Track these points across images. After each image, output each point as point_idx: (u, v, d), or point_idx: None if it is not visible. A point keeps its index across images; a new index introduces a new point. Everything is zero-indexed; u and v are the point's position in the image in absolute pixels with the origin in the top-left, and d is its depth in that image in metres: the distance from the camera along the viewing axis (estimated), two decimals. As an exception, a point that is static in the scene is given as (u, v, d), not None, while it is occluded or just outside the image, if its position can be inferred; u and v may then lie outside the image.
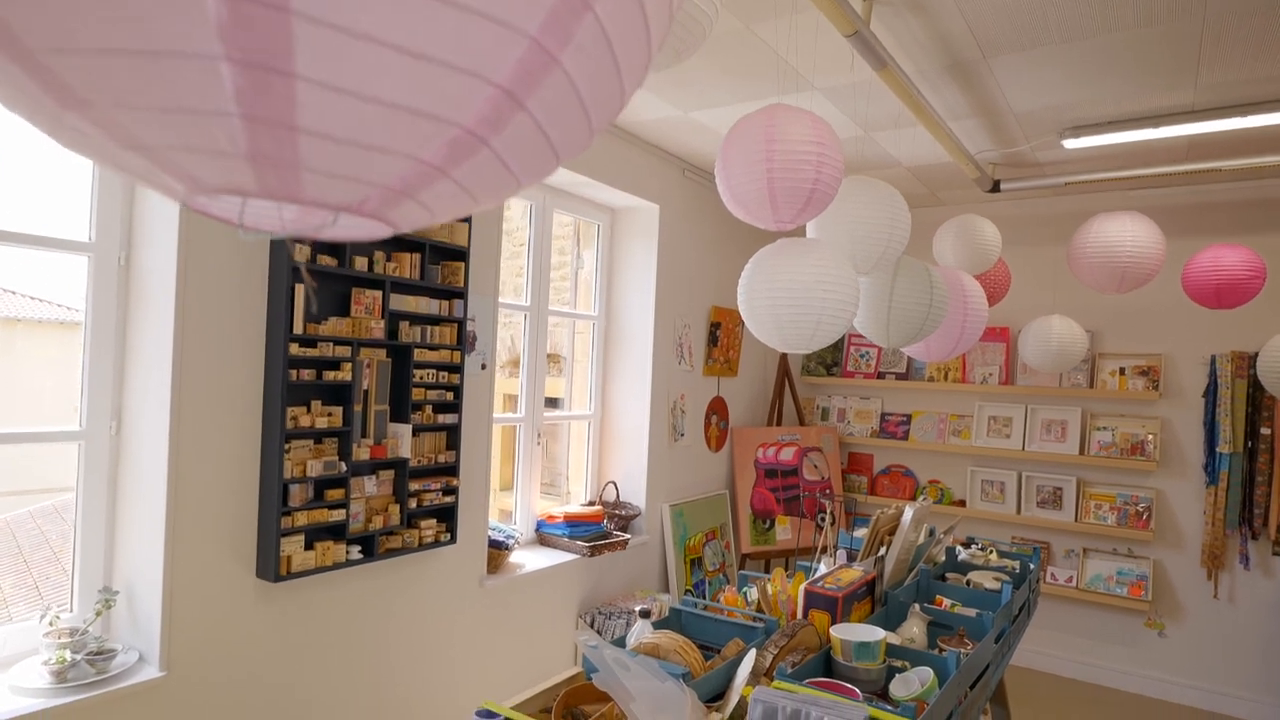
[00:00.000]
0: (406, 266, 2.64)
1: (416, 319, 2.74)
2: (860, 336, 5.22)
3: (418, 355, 2.69)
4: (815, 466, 4.96)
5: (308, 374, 2.35)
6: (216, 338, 2.20)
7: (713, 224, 4.56)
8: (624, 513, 3.98)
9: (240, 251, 2.25)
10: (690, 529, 4.37)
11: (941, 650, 2.16)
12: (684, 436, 4.38)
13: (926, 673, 1.81)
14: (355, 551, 2.51)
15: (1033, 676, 4.47)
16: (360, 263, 2.49)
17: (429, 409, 2.75)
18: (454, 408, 2.86)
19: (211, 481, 2.20)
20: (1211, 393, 4.10)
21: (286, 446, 2.31)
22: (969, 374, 4.77)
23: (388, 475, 2.65)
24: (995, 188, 4.05)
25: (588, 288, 4.27)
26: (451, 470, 2.87)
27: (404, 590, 2.78)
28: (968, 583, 2.82)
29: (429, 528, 2.76)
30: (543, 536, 3.75)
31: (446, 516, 2.87)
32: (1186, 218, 4.27)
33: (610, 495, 4.17)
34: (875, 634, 1.92)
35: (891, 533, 2.86)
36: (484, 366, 3.08)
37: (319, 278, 2.44)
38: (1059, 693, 4.24)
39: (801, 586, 2.15)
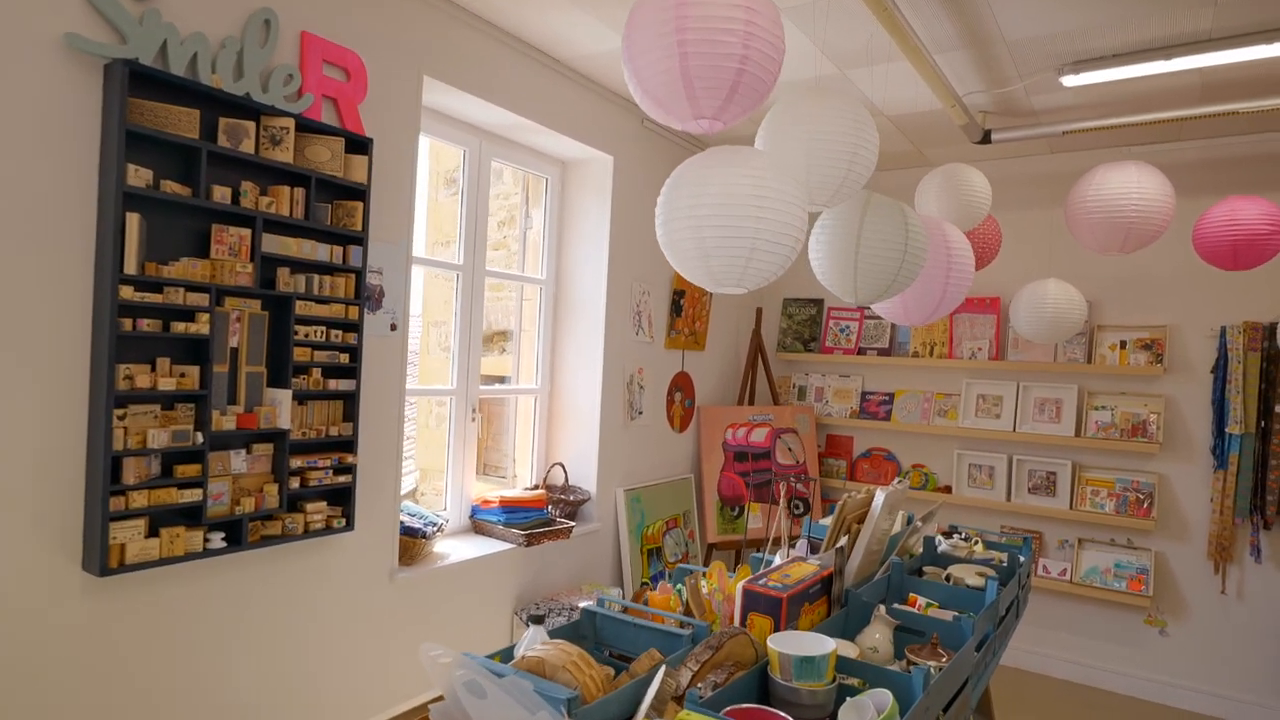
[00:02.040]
0: (286, 202, 2.22)
1: (299, 266, 2.32)
2: (841, 309, 4.82)
3: (301, 309, 2.27)
4: (789, 449, 4.57)
5: (149, 324, 1.94)
6: (30, 277, 1.78)
7: (676, 181, 4.14)
8: (572, 497, 3.59)
9: (63, 173, 1.83)
10: (649, 516, 3.97)
11: (910, 663, 1.77)
12: (642, 415, 3.97)
13: (884, 697, 1.41)
14: (217, 539, 2.10)
15: (1021, 677, 4.10)
16: (221, 194, 2.07)
17: (317, 373, 2.34)
18: (350, 372, 2.45)
19: (22, 453, 1.79)
20: (1221, 367, 3.72)
21: (120, 412, 1.90)
22: (956, 349, 4.38)
23: (265, 450, 2.24)
24: (986, 139, 3.64)
25: (538, 250, 3.86)
26: (347, 445, 2.46)
27: (286, 585, 2.38)
28: (947, 578, 2.43)
29: (318, 512, 2.35)
30: (477, 524, 3.35)
31: (341, 499, 2.46)
32: (1196, 175, 3.87)
33: (558, 478, 3.77)
34: (822, 645, 1.52)
35: (861, 520, 2.47)
36: (394, 327, 2.67)
37: (166, 209, 2.02)
38: (1050, 696, 3.87)
39: (739, 584, 1.76)
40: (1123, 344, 3.97)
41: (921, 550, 2.70)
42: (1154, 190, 2.96)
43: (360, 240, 2.43)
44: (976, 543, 2.87)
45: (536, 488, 3.65)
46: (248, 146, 2.12)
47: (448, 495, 3.32)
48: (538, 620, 1.59)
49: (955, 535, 2.87)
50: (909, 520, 2.76)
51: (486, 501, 3.34)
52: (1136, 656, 3.92)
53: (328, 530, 2.38)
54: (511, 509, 3.29)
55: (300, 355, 2.28)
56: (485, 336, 4.02)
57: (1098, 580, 3.94)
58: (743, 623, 1.76)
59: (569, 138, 3.42)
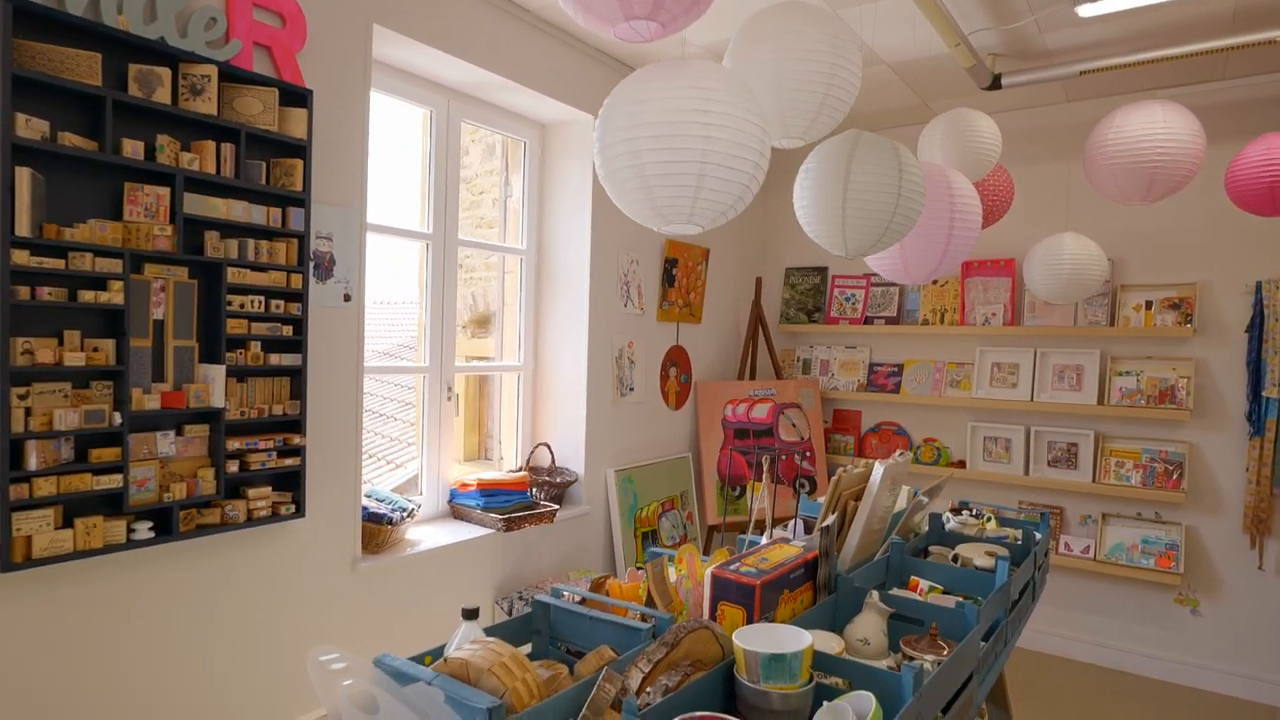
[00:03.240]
0: (211, 159, 2.02)
1: (231, 229, 2.12)
2: (846, 276, 4.56)
3: (234, 276, 2.07)
4: (793, 425, 4.34)
5: (51, 293, 1.75)
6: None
7: (665, 143, 3.89)
8: (558, 479, 3.39)
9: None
10: (642, 498, 3.76)
11: (906, 658, 1.55)
12: (633, 391, 3.76)
13: (866, 701, 1.20)
14: (144, 529, 1.91)
15: (1042, 661, 3.86)
16: (133, 148, 1.86)
17: (256, 347, 2.14)
18: (295, 346, 2.25)
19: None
20: (1257, 326, 3.43)
21: (21, 390, 1.71)
22: (968, 315, 4.11)
23: (199, 431, 2.05)
24: (996, 84, 3.36)
25: (519, 219, 3.64)
26: (294, 425, 2.26)
27: (229, 578, 2.19)
28: (954, 559, 2.20)
29: (262, 498, 2.16)
30: (456, 509, 3.16)
31: (290, 484, 2.27)
32: (1229, 119, 3.56)
33: (544, 460, 3.57)
34: (796, 640, 1.31)
35: (858, 497, 2.25)
36: (348, 298, 2.47)
37: (68, 165, 1.82)
38: (1074, 680, 3.64)
39: (708, 570, 1.54)
40: (1148, 304, 3.69)
41: (927, 529, 2.47)
42: (1181, 130, 2.69)
43: (301, 201, 2.22)
44: (989, 519, 2.63)
45: (521, 470, 3.46)
46: (163, 96, 1.91)
47: (423, 479, 3.13)
48: (471, 615, 1.39)
49: (965, 511, 2.64)
50: (915, 494, 2.52)
51: (464, 485, 3.15)
52: (1167, 638, 3.66)
53: (275, 517, 2.19)
54: (491, 492, 3.09)
55: (235, 328, 2.09)
56: (473, 320, 3.83)
57: (1124, 557, 3.69)
58: (712, 614, 1.54)
59: (547, 97, 3.19)
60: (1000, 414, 4.09)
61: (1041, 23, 3.02)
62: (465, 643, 1.34)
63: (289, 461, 2.22)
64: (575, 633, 1.57)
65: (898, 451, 2.31)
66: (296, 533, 2.34)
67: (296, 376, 2.25)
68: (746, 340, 4.39)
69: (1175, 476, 3.59)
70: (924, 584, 1.96)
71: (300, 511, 2.25)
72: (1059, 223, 3.97)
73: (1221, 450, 3.55)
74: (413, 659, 1.36)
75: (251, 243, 2.11)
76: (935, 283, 4.25)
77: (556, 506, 3.21)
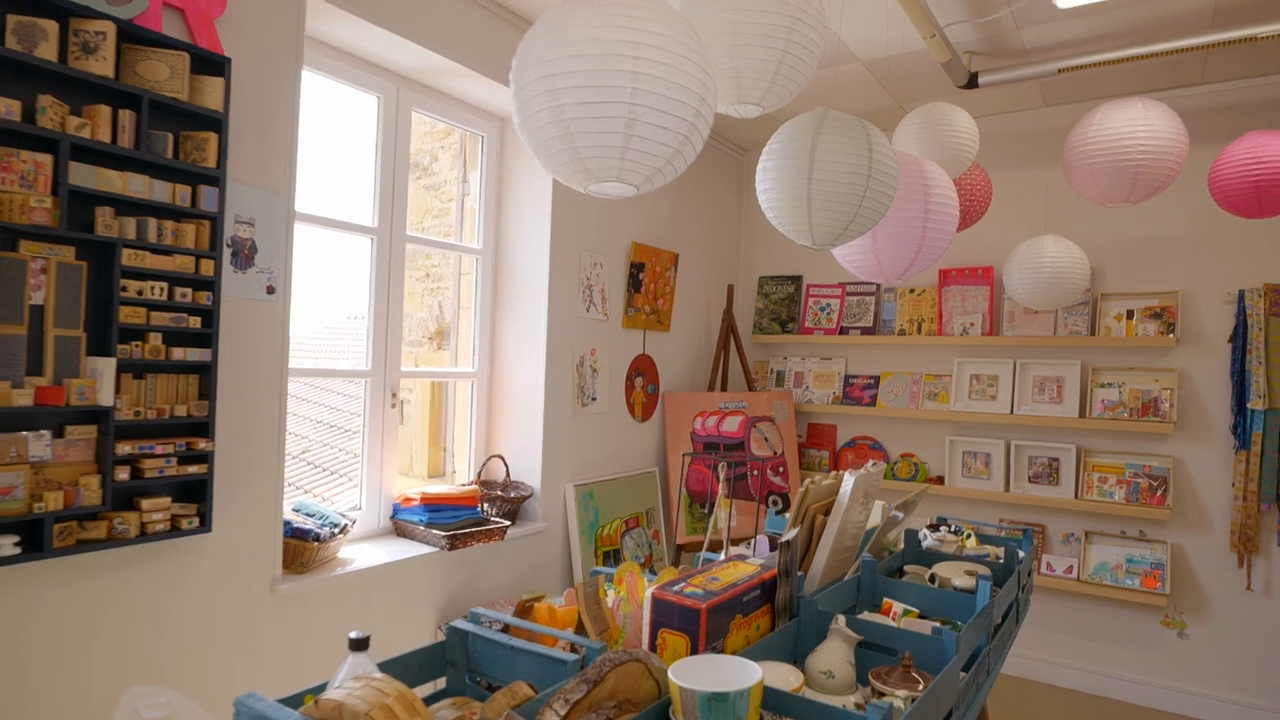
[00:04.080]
0: (106, 126, 1.80)
1: (129, 206, 1.90)
2: (821, 285, 4.40)
3: (131, 259, 1.85)
4: (766, 439, 4.15)
5: (-100, 270, 1.52)
6: None
7: (631, 142, 3.72)
8: (512, 494, 3.16)
9: None
10: (604, 515, 3.54)
11: (875, 694, 1.34)
12: (596, 401, 3.55)
13: (824, 750, 0.99)
14: (8, 544, 1.67)
15: (1024, 687, 3.67)
16: (7, 107, 1.64)
17: (156, 339, 1.92)
18: (204, 340, 2.02)
19: None
20: (1240, 336, 3.30)
21: None
22: (946, 325, 3.96)
23: (85, 433, 1.81)
24: (972, 82, 3.23)
25: (476, 217, 3.44)
26: (200, 429, 2.03)
27: (118, 601, 1.94)
28: (932, 579, 2.01)
29: (158, 509, 1.92)
30: (398, 525, 2.92)
31: (195, 494, 2.03)
32: (1211, 123, 3.45)
33: (498, 473, 3.34)
34: (743, 674, 1.10)
35: (827, 512, 2.05)
36: (272, 290, 2.25)
37: (-72, 126, 1.60)
38: (1057, 707, 3.44)
39: (648, 592, 1.33)
40: (1130, 313, 3.55)
41: (903, 546, 2.28)
42: (1163, 129, 2.56)
43: (215, 180, 2.01)
44: (968, 536, 2.44)
45: (472, 484, 3.23)
46: (47, 52, 1.70)
47: (363, 492, 2.89)
48: (359, 646, 1.16)
49: (944, 528, 2.45)
50: (891, 510, 2.33)
51: (407, 499, 2.92)
52: (1153, 662, 3.49)
53: (176, 532, 1.95)
54: (436, 507, 2.86)
55: (131, 316, 1.86)
56: (438, 331, 3.61)
57: (1108, 577, 3.52)
58: (652, 643, 1.33)
59: (505, 86, 3.01)
60: (979, 427, 3.93)
61: (1019, 17, 2.89)
62: (350, 679, 1.12)
63: (193, 469, 1.98)
64: (495, 665, 1.36)
65: (870, 462, 2.12)
66: (203, 550, 2.10)
67: (205, 374, 2.02)
68: (717, 350, 4.20)
69: (1160, 492, 3.44)
70: (898, 607, 1.76)
71: (206, 525, 2.01)
72: (1038, 230, 3.83)
73: (1207, 464, 3.40)
74: (292, 698, 1.14)
75: (153, 222, 1.89)
76: (912, 291, 4.10)
77: (508, 523, 2.99)
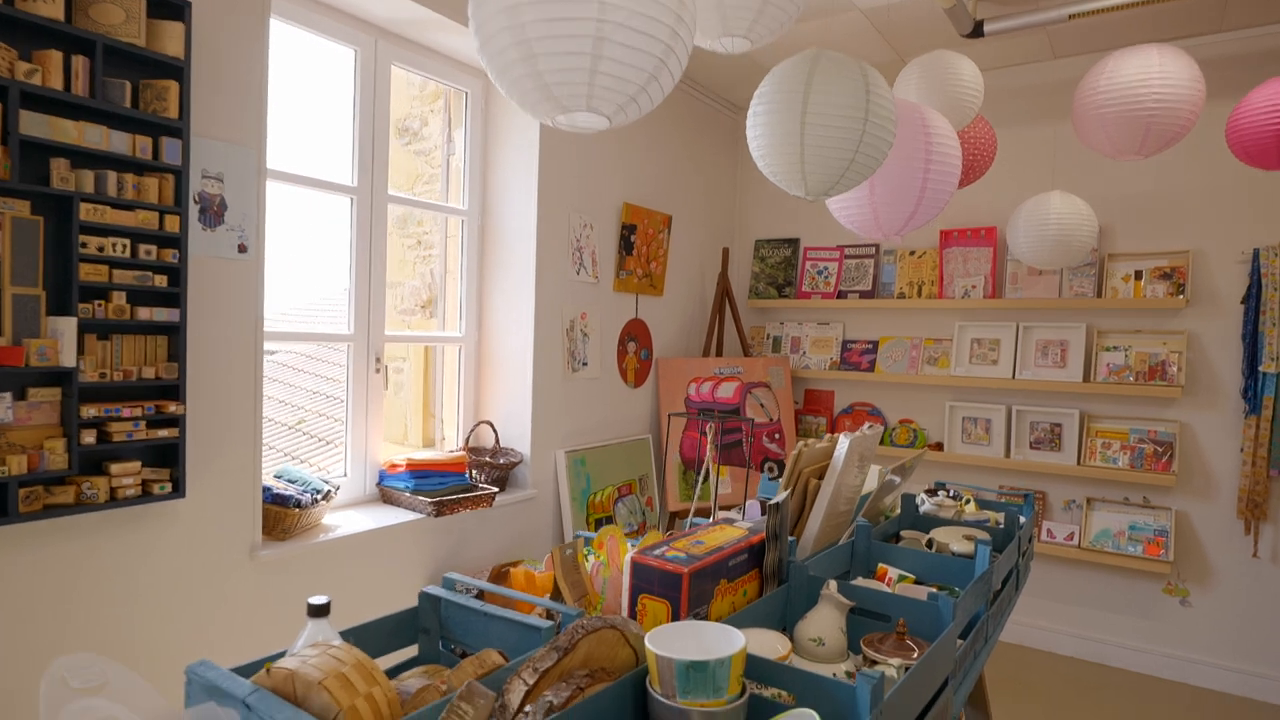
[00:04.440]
0: (58, 73, 1.70)
1: (86, 158, 1.80)
2: (819, 248, 4.30)
3: (90, 214, 1.76)
4: (761, 405, 4.07)
5: None
6: None
7: (623, 99, 3.59)
8: (501, 460, 3.09)
9: None
10: (596, 481, 3.48)
11: (867, 662, 1.28)
12: (587, 366, 3.47)
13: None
14: (-34, 510, 1.60)
15: (1022, 655, 3.63)
16: (-52, 51, 1.55)
17: (120, 298, 1.83)
18: (172, 300, 1.94)
19: None
20: (1254, 297, 3.20)
21: None
22: (947, 288, 3.86)
23: (48, 395, 1.74)
24: (977, 31, 3.10)
25: (461, 177, 3.33)
26: (171, 391, 1.95)
27: (89, 567, 1.88)
28: (929, 544, 1.94)
29: (128, 474, 1.85)
30: (385, 492, 2.86)
31: (167, 459, 1.96)
32: (1224, 74, 3.32)
33: (487, 439, 3.27)
34: (724, 642, 1.03)
35: (821, 476, 1.98)
36: (244, 249, 2.16)
37: None
38: (1056, 675, 3.41)
39: (627, 556, 1.26)
40: (1138, 274, 3.45)
41: (900, 511, 2.21)
42: (1179, 76, 2.44)
43: (177, 131, 1.91)
44: (968, 502, 2.37)
45: (460, 450, 3.16)
46: (-11, -9, 1.59)
47: (348, 459, 2.83)
48: (319, 612, 1.10)
49: (942, 492, 2.38)
50: (885, 476, 2.26)
51: (394, 466, 2.85)
52: (1154, 630, 3.44)
53: (148, 497, 1.88)
54: (422, 474, 2.80)
55: (92, 274, 1.77)
56: (421, 304, 3.52)
57: (1110, 544, 3.46)
58: (632, 609, 1.27)
59: (485, 37, 2.88)
60: (980, 393, 3.85)
61: (1028, -42, 2.75)
62: (309, 646, 1.05)
63: (164, 433, 1.91)
64: (468, 632, 1.29)
65: (866, 424, 2.05)
66: (177, 515, 2.03)
67: (174, 335, 1.94)
68: (712, 315, 4.11)
69: (1165, 458, 3.37)
70: (893, 573, 1.69)
71: (179, 490, 1.94)
72: (1044, 189, 3.72)
73: (1215, 430, 3.32)
74: (246, 666, 1.07)
75: (113, 175, 1.80)
76: (912, 254, 4.00)
77: (496, 490, 2.92)
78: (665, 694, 0.98)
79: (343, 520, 2.59)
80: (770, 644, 1.22)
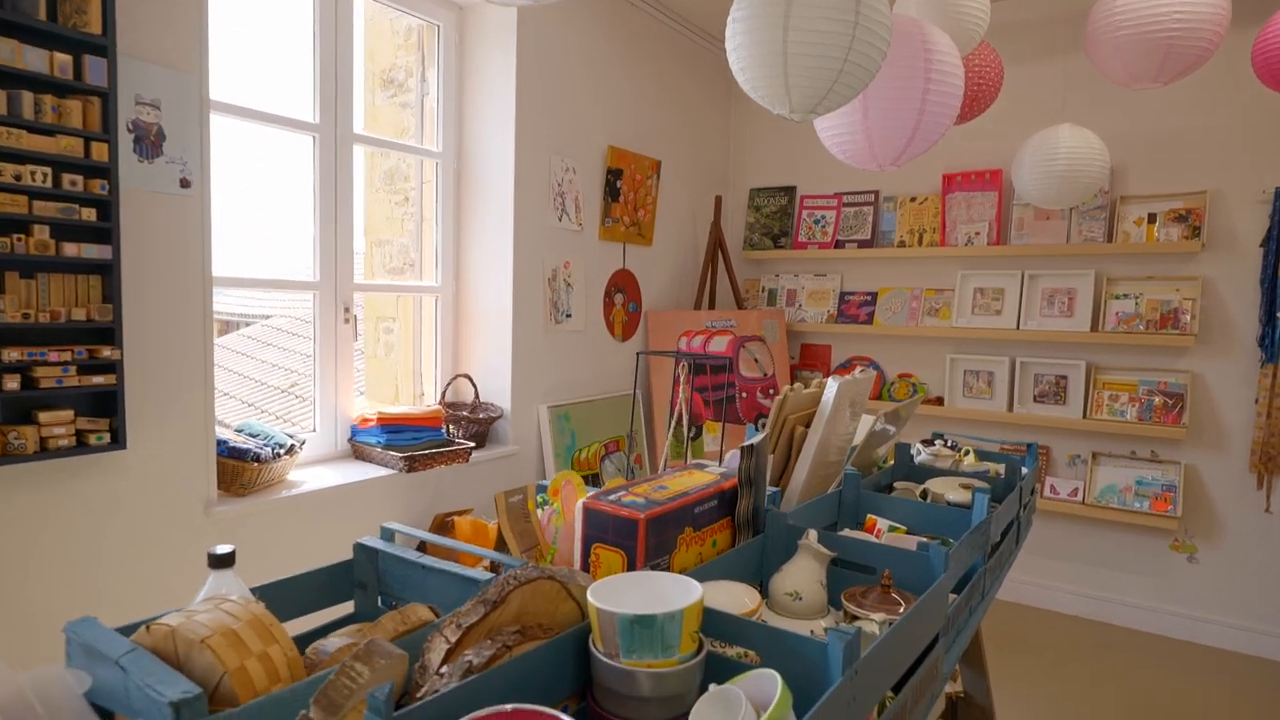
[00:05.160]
0: (-43, -22, 1.53)
1: (-5, 75, 1.64)
2: (816, 196, 4.11)
3: (4, 139, 1.60)
4: (755, 360, 3.92)
5: None
6: None
7: (606, 34, 3.39)
8: (481, 415, 2.96)
9: None
10: (582, 438, 3.35)
11: (848, 618, 1.15)
12: (571, 318, 3.32)
13: (768, 684, 0.79)
14: (-128, 460, 1.47)
15: (1022, 613, 3.53)
16: None
17: (42, 232, 1.68)
18: (103, 235, 1.79)
19: None
20: (1274, 239, 3.03)
21: None
22: (950, 235, 3.68)
23: (-37, 338, 1.60)
24: (985, -46, 2.88)
25: (435, 118, 3.15)
26: (104, 335, 1.81)
27: (19, 523, 1.76)
28: (924, 494, 1.81)
29: (59, 423, 1.72)
30: (357, 448, 2.73)
31: (106, 408, 1.83)
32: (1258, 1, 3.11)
33: (466, 394, 3.14)
34: (680, 596, 0.90)
35: (807, 424, 1.84)
36: (186, 184, 2.00)
37: None
38: (1058, 635, 3.30)
39: (580, 502, 1.13)
40: (1151, 217, 3.27)
41: (894, 462, 2.07)
42: (1202, -5, 2.24)
43: (102, 49, 1.74)
44: (967, 453, 2.24)
45: (438, 405, 3.03)
46: None
47: (316, 413, 2.70)
48: (221, 563, 0.97)
49: (939, 442, 2.24)
50: (878, 423, 2.11)
51: (365, 420, 2.72)
52: (1160, 588, 3.33)
53: (83, 448, 1.75)
54: (395, 428, 2.67)
55: (9, 205, 1.62)
56: (409, 262, 3.35)
57: (1115, 500, 3.33)
58: (585, 560, 1.13)
59: (456, -36, 2.69)
60: (983, 344, 3.69)
61: None
62: (204, 601, 0.92)
63: (99, 379, 1.77)
64: (407, 586, 1.17)
65: (858, 368, 1.90)
66: (120, 468, 1.90)
67: (108, 274, 1.79)
68: (704, 266, 3.94)
69: (1175, 410, 3.22)
70: (883, 523, 1.56)
71: (119, 442, 1.81)
72: (1052, 124, 3.52)
73: (1228, 380, 3.17)
74: (130, 626, 0.94)
75: (28, 96, 1.64)
76: (913, 200, 3.81)
77: (473, 445, 2.80)
78: (608, 653, 0.85)
79: (309, 476, 2.46)
80: (738, 598, 1.08)
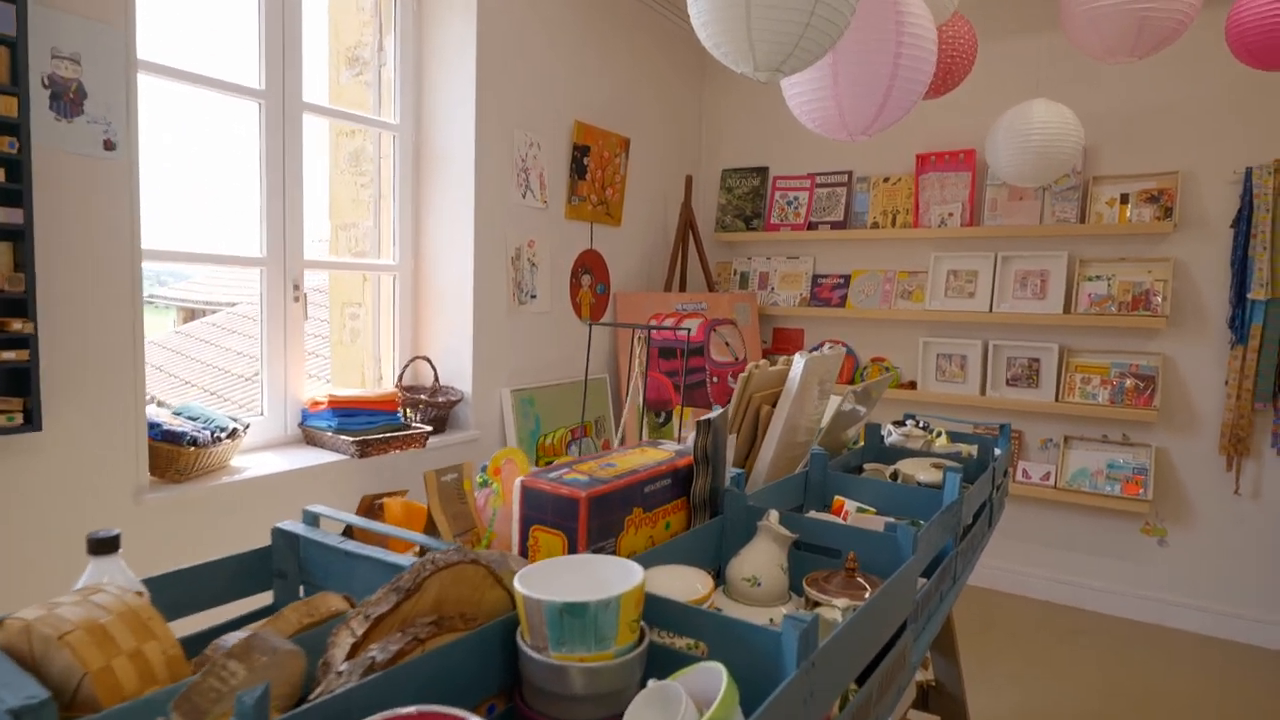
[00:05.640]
0: None
1: (-117, 19, 1.49)
2: (788, 177, 4.03)
3: (-108, 88, 1.46)
4: (727, 344, 3.84)
5: None
6: None
7: (573, 4, 3.27)
8: (440, 399, 2.85)
9: None
10: (547, 423, 3.25)
11: (809, 604, 1.06)
12: (535, 299, 3.21)
13: (712, 678, 0.70)
14: None
15: (991, 599, 3.49)
16: None
17: (-58, 193, 1.54)
18: (13, 198, 1.65)
19: None
20: (1244, 220, 3.00)
21: None
22: (923, 216, 3.62)
23: None
24: (960, -77, 2.80)
25: (393, 88, 3.01)
26: (16, 308, 1.68)
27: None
28: (894, 475, 1.73)
29: (-36, 403, 1.58)
30: (308, 432, 2.61)
31: (18, 386, 1.69)
32: (1223, -23, 3.06)
33: (425, 377, 3.02)
34: (620, 581, 0.80)
35: (773, 402, 1.76)
36: (111, 146, 1.86)
37: None
38: (1028, 620, 3.27)
39: (518, 480, 1.03)
40: (1124, 198, 3.23)
41: (864, 443, 2.00)
42: (1180, -36, 2.17)
43: (9, -5, 1.60)
44: (939, 434, 2.17)
45: (394, 388, 2.91)
46: None
47: (264, 396, 2.56)
48: (101, 548, 0.85)
49: (911, 423, 2.17)
50: (846, 403, 2.03)
51: (315, 404, 2.60)
52: (1131, 572, 3.31)
53: (-7, 431, 1.62)
54: (347, 411, 2.55)
55: (-98, 163, 1.48)
56: (360, 252, 3.20)
57: (1087, 484, 3.30)
58: (523, 544, 1.04)
59: (410, -77, 2.55)
60: (955, 328, 3.64)
61: None
62: (75, 592, 0.81)
63: (10, 355, 1.64)
64: (330, 575, 1.06)
65: (826, 344, 1.82)
66: (36, 451, 1.77)
67: (20, 241, 1.66)
68: (675, 247, 3.85)
69: (1147, 393, 3.19)
70: (850, 505, 1.48)
71: (34, 423, 1.68)
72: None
73: (1199, 362, 3.14)
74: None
75: (-77, 44, 1.49)
76: (886, 180, 3.74)
77: (429, 429, 2.68)
78: (536, 646, 0.75)
79: (255, 462, 2.34)
80: (690, 583, 0.99)
